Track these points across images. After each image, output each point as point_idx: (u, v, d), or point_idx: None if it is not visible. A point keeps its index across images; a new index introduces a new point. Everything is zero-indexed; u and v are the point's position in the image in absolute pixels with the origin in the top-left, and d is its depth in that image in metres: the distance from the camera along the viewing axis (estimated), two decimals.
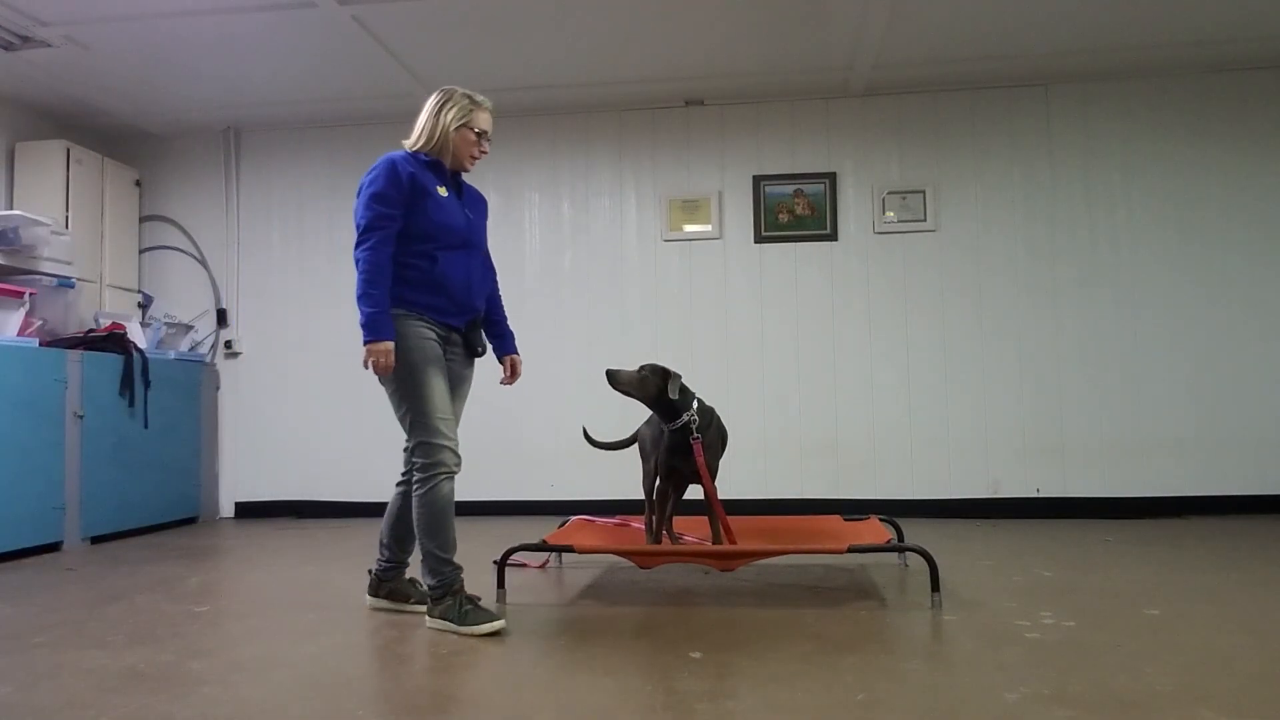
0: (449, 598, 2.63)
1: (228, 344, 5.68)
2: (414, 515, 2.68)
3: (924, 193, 5.18)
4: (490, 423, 5.43)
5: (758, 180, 5.31)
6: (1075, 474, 5.01)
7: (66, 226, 5.00)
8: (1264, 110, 5.00)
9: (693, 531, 3.50)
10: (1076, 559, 3.64)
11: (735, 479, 4.77)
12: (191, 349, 5.60)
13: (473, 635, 2.54)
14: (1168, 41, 4.65)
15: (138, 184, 5.65)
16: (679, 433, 3.15)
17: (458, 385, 2.88)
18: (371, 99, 5.27)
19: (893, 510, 4.95)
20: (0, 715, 1.96)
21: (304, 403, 5.59)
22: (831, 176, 5.25)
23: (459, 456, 2.70)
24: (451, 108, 2.81)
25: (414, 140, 2.83)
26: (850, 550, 2.95)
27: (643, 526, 3.51)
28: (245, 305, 5.69)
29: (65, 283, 4.75)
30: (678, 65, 4.84)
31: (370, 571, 3.00)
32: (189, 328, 5.60)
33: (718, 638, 2.49)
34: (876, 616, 2.71)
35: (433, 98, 2.85)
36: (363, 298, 2.70)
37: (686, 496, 3.37)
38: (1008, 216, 5.16)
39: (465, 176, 2.94)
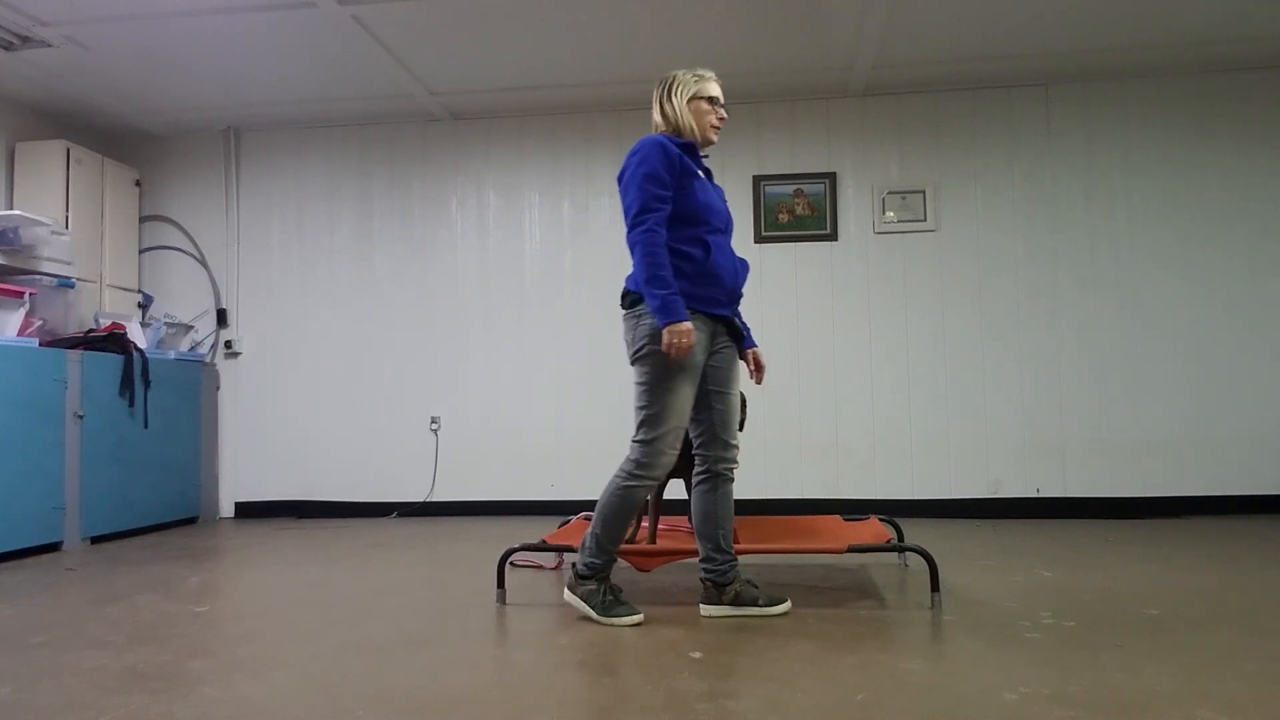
0: (595, 583, 2.68)
1: (228, 344, 5.68)
2: (604, 497, 2.66)
3: (924, 193, 5.19)
4: (490, 423, 5.44)
5: (758, 180, 5.31)
6: (1075, 474, 5.01)
7: (66, 226, 5.00)
8: (1264, 110, 5.00)
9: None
10: (1076, 559, 3.64)
11: (735, 478, 4.77)
12: (191, 349, 5.60)
13: (613, 625, 2.61)
14: (1168, 41, 4.65)
15: (138, 184, 5.65)
16: None
17: (730, 376, 2.77)
18: (371, 99, 5.27)
19: (893, 510, 4.96)
20: (0, 715, 1.96)
21: (304, 403, 5.59)
22: (831, 176, 5.25)
23: (669, 468, 2.67)
24: (677, 87, 2.76)
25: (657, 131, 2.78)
26: (850, 550, 2.95)
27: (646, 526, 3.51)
28: (245, 305, 5.69)
29: (65, 283, 4.75)
30: (678, 65, 4.80)
31: (702, 579, 2.81)
32: (189, 328, 5.60)
33: (718, 638, 2.49)
34: (876, 616, 2.71)
35: (655, 90, 2.80)
36: (651, 280, 2.55)
37: (666, 496, 3.38)
38: (1008, 216, 5.16)
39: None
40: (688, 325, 2.52)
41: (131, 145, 5.78)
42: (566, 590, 2.75)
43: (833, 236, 5.23)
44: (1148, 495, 4.94)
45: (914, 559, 3.59)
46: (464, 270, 5.53)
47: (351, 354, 5.60)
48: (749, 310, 5.23)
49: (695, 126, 2.75)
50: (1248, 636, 2.41)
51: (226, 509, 5.63)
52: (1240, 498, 4.88)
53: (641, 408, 2.64)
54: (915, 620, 2.67)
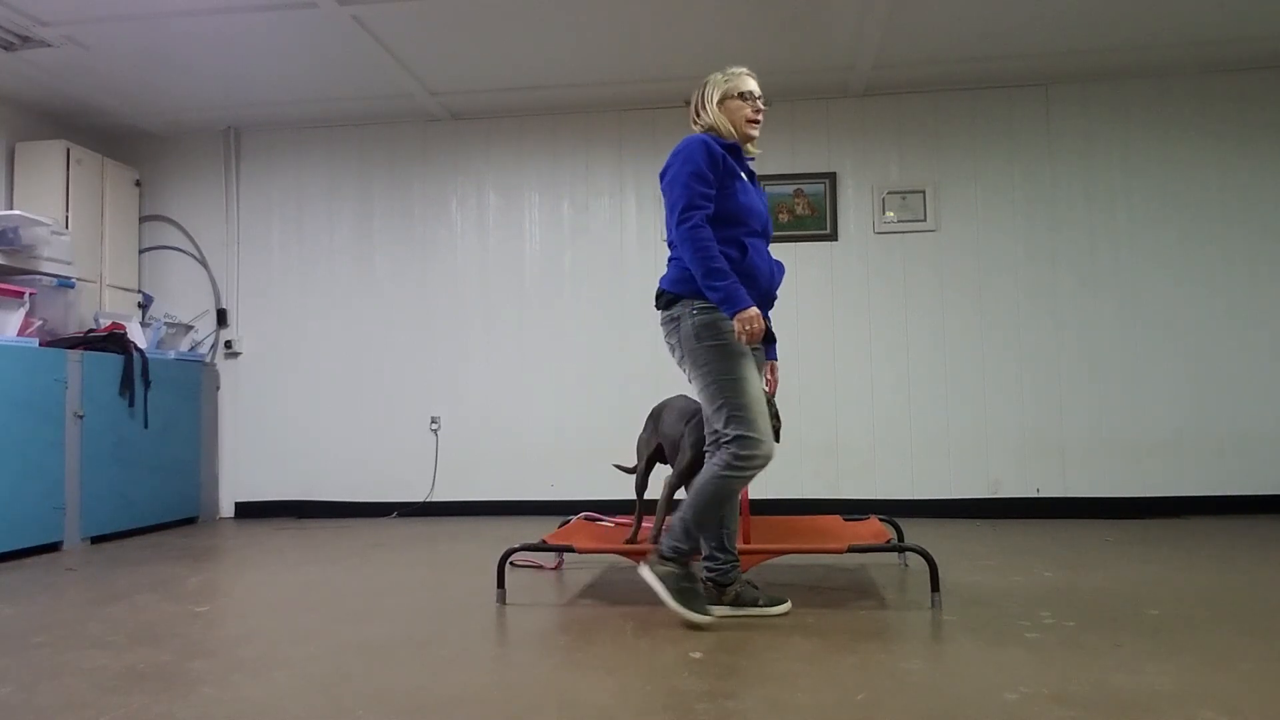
0: (676, 566, 2.62)
1: (228, 344, 5.68)
2: (697, 484, 2.62)
3: (924, 193, 5.19)
4: (490, 423, 5.44)
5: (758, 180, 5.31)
6: (1075, 474, 5.01)
7: (66, 226, 5.00)
8: (1264, 110, 5.00)
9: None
10: (1076, 559, 3.64)
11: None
12: (191, 349, 5.60)
13: (678, 614, 2.55)
14: (1168, 41, 4.65)
15: (138, 184, 5.65)
16: None
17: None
18: (371, 99, 5.27)
19: (893, 510, 4.95)
20: (0, 715, 1.96)
21: (304, 403, 5.59)
22: (831, 176, 5.25)
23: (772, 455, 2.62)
24: (709, 90, 2.76)
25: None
26: (850, 550, 2.95)
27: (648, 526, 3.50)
28: (245, 305, 5.69)
29: (65, 283, 4.75)
30: (678, 65, 4.84)
31: (703, 580, 2.78)
32: (189, 328, 5.60)
33: (718, 638, 2.49)
34: (876, 616, 2.71)
35: (693, 96, 2.80)
36: (709, 274, 2.55)
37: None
38: (1008, 216, 5.16)
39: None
40: (755, 310, 2.52)
41: (131, 145, 5.78)
42: (645, 568, 2.65)
43: (833, 236, 5.23)
44: (1148, 495, 4.94)
45: (914, 559, 3.59)
46: (464, 270, 5.53)
47: (351, 354, 5.60)
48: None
49: (731, 126, 2.73)
50: (1248, 636, 2.41)
51: (226, 509, 5.63)
52: (1240, 498, 4.88)
53: (719, 406, 2.59)
54: (915, 620, 2.67)
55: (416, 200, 5.60)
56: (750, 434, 2.56)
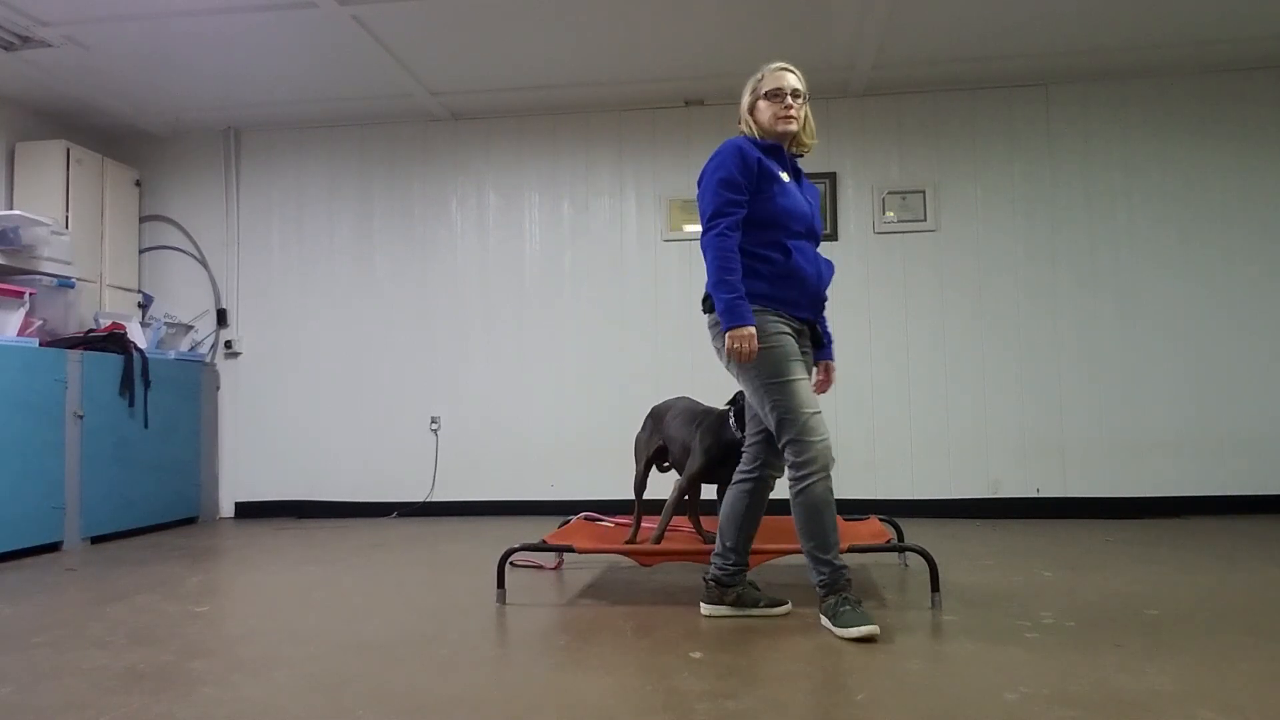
0: (831, 596, 2.54)
1: (228, 344, 5.68)
2: (793, 515, 2.59)
3: (924, 192, 5.19)
4: (490, 423, 5.44)
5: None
6: (1075, 474, 5.01)
7: (66, 226, 5.00)
8: (1264, 110, 5.00)
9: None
10: (1076, 559, 3.64)
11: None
12: (191, 349, 5.60)
13: (844, 637, 2.44)
14: (1168, 41, 4.65)
15: (138, 184, 5.65)
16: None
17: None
18: (371, 99, 5.27)
19: (893, 510, 4.95)
20: (0, 715, 1.96)
21: (304, 403, 5.59)
22: (831, 176, 5.25)
23: (831, 454, 2.58)
24: (744, 93, 2.76)
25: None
26: (850, 550, 2.95)
27: (652, 526, 3.50)
28: (245, 305, 5.69)
29: (65, 283, 4.75)
30: (678, 65, 4.84)
31: (706, 579, 2.78)
32: (189, 328, 5.60)
33: (718, 638, 2.49)
34: (877, 616, 2.70)
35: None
36: (718, 285, 2.54)
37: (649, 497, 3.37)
38: (1008, 216, 5.16)
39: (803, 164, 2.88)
40: (750, 330, 2.50)
41: (131, 145, 5.77)
42: (823, 619, 2.60)
43: (833, 236, 5.22)
44: (1148, 495, 4.93)
45: (914, 559, 3.59)
46: (464, 270, 5.53)
47: (351, 354, 5.60)
48: None
49: (768, 127, 2.71)
50: (1248, 636, 2.41)
51: (226, 509, 5.63)
52: (1240, 498, 4.87)
53: (769, 409, 2.57)
54: (915, 620, 2.67)
55: (416, 200, 5.60)
56: (802, 437, 2.53)
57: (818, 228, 2.76)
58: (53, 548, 4.29)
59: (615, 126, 5.47)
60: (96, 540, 4.56)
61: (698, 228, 5.59)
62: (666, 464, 3.31)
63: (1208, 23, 4.44)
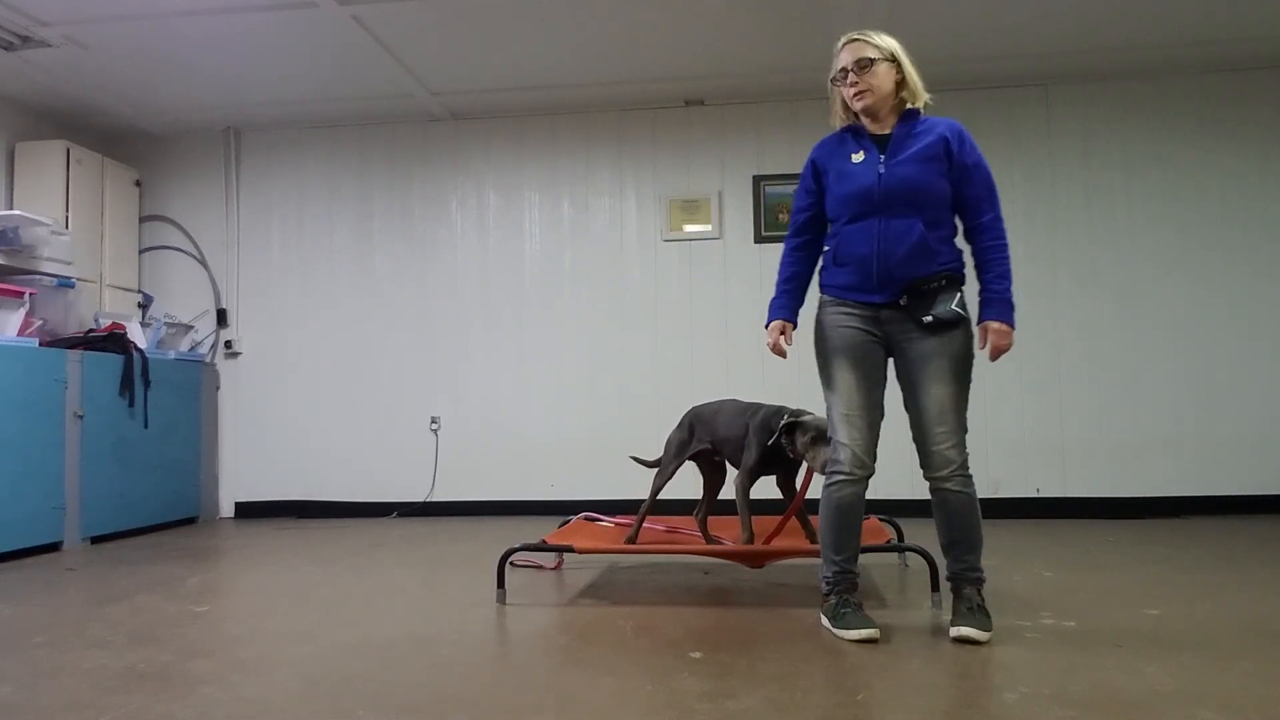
0: (833, 596, 2.55)
1: (228, 344, 5.68)
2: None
3: None
4: (490, 423, 5.44)
5: (758, 180, 5.31)
6: (1075, 474, 5.01)
7: (66, 226, 5.00)
8: (1264, 110, 5.00)
9: (723, 532, 3.41)
10: (1076, 559, 3.64)
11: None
12: (191, 349, 5.60)
13: (842, 638, 2.44)
14: (1168, 41, 4.65)
15: (138, 184, 5.65)
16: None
17: (920, 366, 2.51)
18: (371, 99, 5.27)
19: (893, 510, 4.94)
20: (0, 715, 1.96)
21: (304, 403, 5.59)
22: None
23: (862, 458, 2.53)
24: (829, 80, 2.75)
25: None
26: None
27: (653, 525, 3.49)
28: (245, 305, 5.69)
29: (65, 283, 4.75)
30: (678, 65, 4.84)
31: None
32: (189, 328, 5.60)
33: (718, 638, 2.49)
34: (877, 616, 2.70)
35: None
36: (777, 284, 2.79)
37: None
38: (1008, 216, 5.08)
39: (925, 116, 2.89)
40: (774, 324, 2.75)
41: (131, 145, 5.77)
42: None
43: None
44: (1148, 495, 4.93)
45: (914, 559, 3.59)
46: (464, 270, 5.53)
47: (351, 354, 5.60)
48: (749, 309, 5.21)
49: (841, 110, 2.77)
50: (1248, 636, 2.41)
51: (226, 509, 5.63)
52: (1240, 498, 4.87)
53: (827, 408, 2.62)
54: (915, 620, 2.67)
55: (416, 200, 5.60)
56: (833, 437, 2.59)
57: (902, 194, 2.57)
58: (53, 548, 4.29)
59: (615, 126, 5.47)
60: (96, 540, 4.55)
61: (699, 227, 5.64)
62: (719, 456, 3.27)
63: (1207, 23, 4.44)
